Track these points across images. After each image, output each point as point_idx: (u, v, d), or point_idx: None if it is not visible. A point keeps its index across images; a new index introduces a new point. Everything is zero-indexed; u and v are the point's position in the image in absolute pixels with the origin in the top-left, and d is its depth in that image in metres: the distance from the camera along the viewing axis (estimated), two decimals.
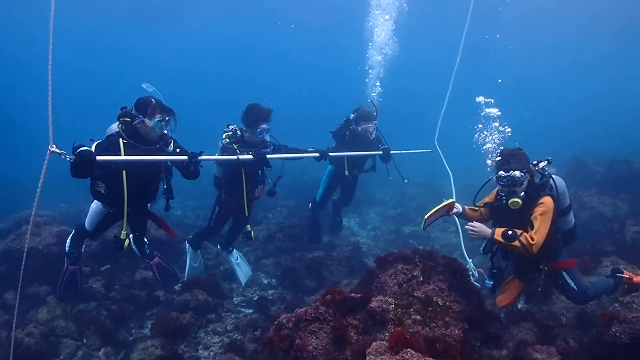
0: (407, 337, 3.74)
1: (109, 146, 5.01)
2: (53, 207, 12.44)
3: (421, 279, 4.71)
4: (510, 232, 4.56)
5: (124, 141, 5.07)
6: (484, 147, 6.05)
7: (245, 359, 5.81)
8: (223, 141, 6.59)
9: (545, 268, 5.16)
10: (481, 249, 5.31)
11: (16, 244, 7.39)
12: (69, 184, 8.70)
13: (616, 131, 22.28)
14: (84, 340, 6.19)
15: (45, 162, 4.03)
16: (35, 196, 4.01)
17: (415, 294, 4.49)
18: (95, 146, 5.00)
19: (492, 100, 6.28)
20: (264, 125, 6.49)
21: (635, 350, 4.36)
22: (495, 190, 5.27)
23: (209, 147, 6.34)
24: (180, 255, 8.62)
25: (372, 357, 3.63)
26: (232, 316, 7.03)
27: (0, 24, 29.36)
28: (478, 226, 4.77)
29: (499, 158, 4.87)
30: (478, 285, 6.76)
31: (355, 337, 4.17)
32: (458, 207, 5.29)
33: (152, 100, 5.15)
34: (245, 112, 6.59)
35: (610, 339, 4.51)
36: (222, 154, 6.53)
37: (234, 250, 7.84)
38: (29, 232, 4.62)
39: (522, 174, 4.66)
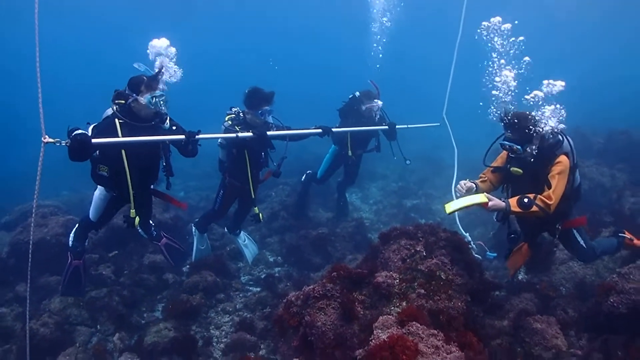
0: (415, 312, 3.88)
1: (105, 127, 5.03)
2: (56, 195, 12.52)
3: (424, 254, 4.83)
4: (525, 200, 4.50)
5: (120, 121, 5.09)
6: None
7: (256, 336, 5.96)
8: (225, 123, 6.57)
9: (559, 227, 5.15)
10: (494, 217, 5.35)
11: (24, 236, 7.48)
12: (69, 171, 8.78)
13: (614, 101, 21.98)
14: (98, 326, 6.32)
15: (41, 154, 4.10)
16: (35, 189, 4.09)
17: (418, 269, 4.62)
18: (92, 128, 5.02)
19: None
20: (266, 107, 6.51)
21: (633, 320, 4.46)
22: (505, 153, 5.13)
23: (213, 129, 6.37)
24: (187, 238, 8.76)
25: (380, 331, 3.76)
26: (241, 295, 7.18)
27: None
28: (491, 203, 4.58)
29: (506, 117, 4.71)
30: (480, 257, 6.89)
31: (362, 312, 4.31)
32: (472, 186, 4.99)
33: (144, 77, 5.15)
34: (247, 94, 6.59)
35: (608, 309, 4.61)
36: None
37: (242, 232, 7.95)
38: (32, 226, 4.64)
39: (521, 146, 4.61)
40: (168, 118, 5.42)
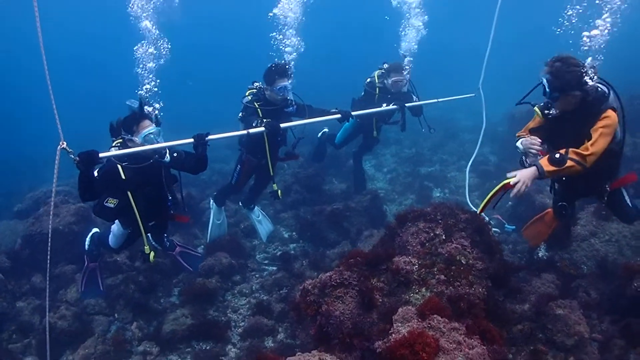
0: (437, 304, 3.78)
1: (108, 170, 5.00)
2: (68, 177, 12.46)
3: (443, 237, 4.70)
4: (557, 156, 3.98)
5: (120, 164, 5.05)
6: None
7: (274, 319, 5.97)
8: (245, 99, 6.59)
9: (608, 187, 4.77)
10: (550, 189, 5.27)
11: (36, 227, 7.42)
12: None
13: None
14: (116, 315, 6.33)
15: (57, 159, 4.12)
16: (52, 191, 4.04)
17: (438, 253, 4.52)
18: (97, 171, 4.99)
19: None
20: (284, 83, 6.39)
21: None
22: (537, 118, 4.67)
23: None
24: (201, 216, 8.71)
25: (400, 324, 3.67)
26: (257, 275, 7.16)
27: None
28: (517, 177, 3.98)
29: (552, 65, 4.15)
30: (498, 231, 6.75)
31: (380, 300, 4.23)
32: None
33: (136, 115, 5.07)
34: (265, 70, 6.53)
35: (632, 293, 4.49)
36: (242, 113, 6.59)
37: (256, 207, 7.90)
38: (49, 232, 4.57)
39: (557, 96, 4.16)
40: (167, 151, 5.28)
